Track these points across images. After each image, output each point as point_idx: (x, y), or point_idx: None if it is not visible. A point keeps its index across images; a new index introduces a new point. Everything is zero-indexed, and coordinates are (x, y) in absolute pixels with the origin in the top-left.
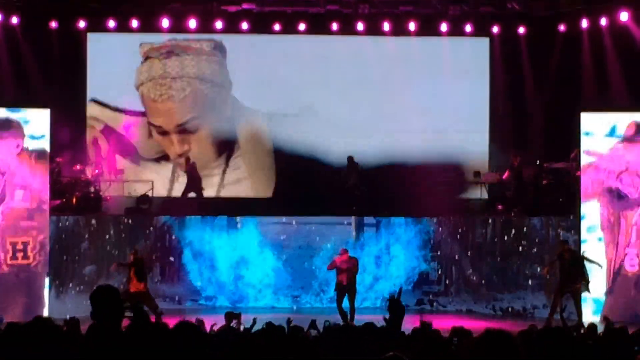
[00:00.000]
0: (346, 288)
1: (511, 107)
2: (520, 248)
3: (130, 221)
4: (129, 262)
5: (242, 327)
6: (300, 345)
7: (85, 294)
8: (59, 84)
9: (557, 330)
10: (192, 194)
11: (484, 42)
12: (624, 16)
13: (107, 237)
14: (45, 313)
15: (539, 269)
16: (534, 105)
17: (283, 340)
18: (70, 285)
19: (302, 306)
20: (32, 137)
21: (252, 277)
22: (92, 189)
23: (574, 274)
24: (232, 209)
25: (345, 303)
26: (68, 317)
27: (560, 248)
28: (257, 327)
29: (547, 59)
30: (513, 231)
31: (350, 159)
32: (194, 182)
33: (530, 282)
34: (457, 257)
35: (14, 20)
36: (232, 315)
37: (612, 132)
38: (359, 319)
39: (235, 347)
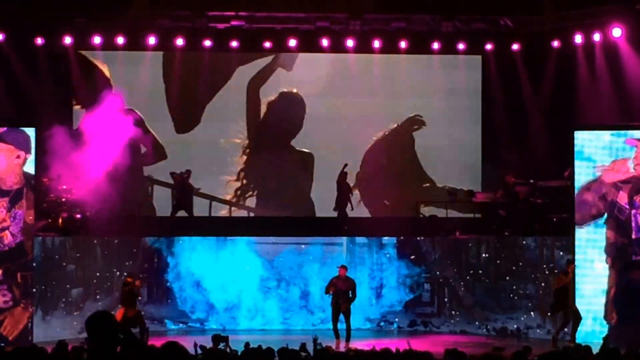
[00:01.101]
0: (342, 307)
1: (505, 125)
2: (514, 268)
3: (117, 242)
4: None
5: (228, 350)
6: None
7: (72, 316)
8: (46, 101)
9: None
10: (181, 212)
11: (477, 59)
12: (616, 32)
13: (94, 258)
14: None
15: (532, 290)
16: (528, 123)
17: None
18: (56, 307)
19: (293, 328)
20: None
21: (243, 298)
22: (78, 209)
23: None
24: (222, 228)
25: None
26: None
27: (567, 267)
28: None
29: (541, 75)
30: (507, 251)
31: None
32: (186, 197)
33: (524, 302)
34: (450, 277)
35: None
36: (219, 338)
37: (606, 147)
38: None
39: None
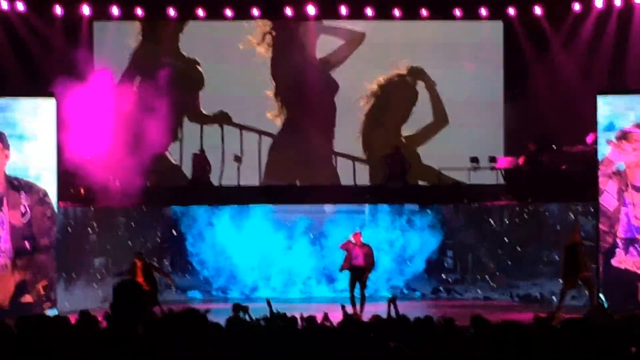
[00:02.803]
0: (359, 273)
1: (527, 90)
2: (538, 234)
3: (139, 211)
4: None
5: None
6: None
7: (94, 286)
8: (64, 71)
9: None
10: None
11: (498, 25)
12: None
13: (116, 228)
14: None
15: (556, 256)
16: (550, 87)
17: (294, 332)
18: (79, 277)
19: (315, 295)
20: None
21: (265, 267)
22: (102, 179)
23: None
24: (242, 197)
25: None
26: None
27: (577, 235)
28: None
29: (563, 39)
30: (530, 217)
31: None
32: (203, 171)
33: (547, 269)
34: (473, 244)
35: (20, 7)
36: (240, 307)
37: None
38: (371, 309)
39: (244, 338)
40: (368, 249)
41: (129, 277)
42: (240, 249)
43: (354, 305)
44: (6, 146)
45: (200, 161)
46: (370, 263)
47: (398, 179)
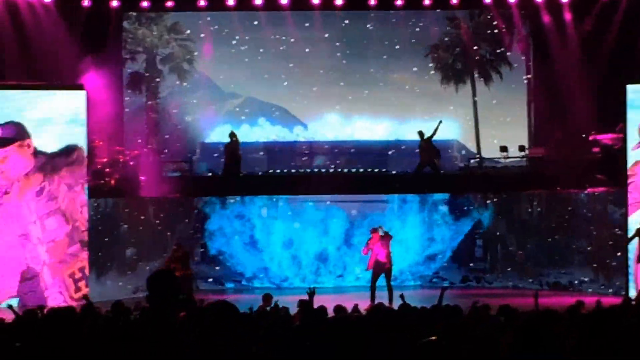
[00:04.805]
0: (384, 267)
1: (555, 78)
2: (566, 223)
3: (170, 202)
4: (175, 255)
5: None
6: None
7: (126, 277)
8: (94, 63)
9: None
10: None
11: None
12: None
13: (147, 219)
14: None
15: (585, 244)
16: (579, 76)
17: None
18: (110, 268)
19: (346, 285)
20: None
21: (295, 257)
22: (131, 170)
23: None
24: (275, 187)
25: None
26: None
27: None
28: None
29: (592, 28)
30: (559, 206)
31: (420, 134)
32: (235, 160)
33: (576, 256)
34: (502, 233)
35: None
36: (270, 297)
37: None
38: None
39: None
40: (388, 239)
41: (166, 264)
42: (271, 239)
43: (373, 299)
44: (26, 135)
45: (232, 150)
46: (389, 252)
47: (430, 166)
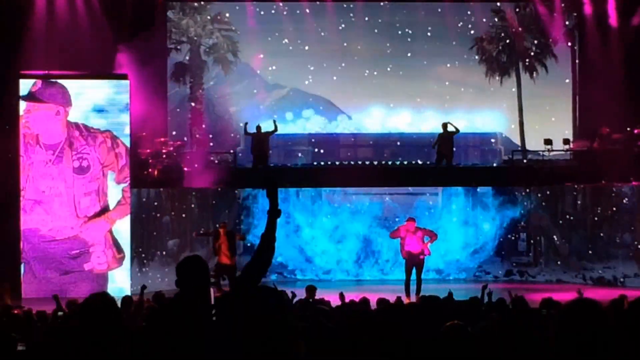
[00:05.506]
0: (416, 259)
1: (597, 72)
2: (611, 216)
3: (212, 193)
4: (219, 234)
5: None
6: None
7: (168, 267)
8: (139, 54)
9: None
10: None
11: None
12: None
13: (190, 209)
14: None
15: (630, 238)
16: (624, 69)
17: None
18: (153, 259)
19: (389, 278)
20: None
21: (339, 250)
22: (174, 161)
23: None
24: (316, 179)
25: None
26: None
27: None
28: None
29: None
30: (603, 199)
31: (444, 125)
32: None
33: (621, 251)
34: (546, 226)
35: None
36: (313, 289)
37: None
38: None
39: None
40: (422, 232)
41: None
42: (312, 231)
43: (408, 294)
44: (67, 102)
45: (260, 140)
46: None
47: (446, 159)
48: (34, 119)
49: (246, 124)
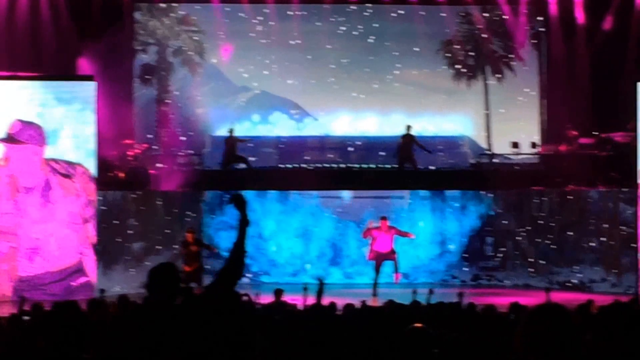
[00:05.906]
0: (386, 257)
1: (565, 75)
2: (578, 221)
3: (178, 195)
4: (189, 240)
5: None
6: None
7: (133, 271)
8: (105, 55)
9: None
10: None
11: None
12: None
13: (155, 212)
14: None
15: (596, 243)
16: (591, 73)
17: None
18: (118, 262)
19: (356, 282)
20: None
21: (305, 253)
22: (140, 164)
23: None
24: (283, 182)
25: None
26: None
27: None
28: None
29: (602, 24)
30: (570, 204)
31: (407, 127)
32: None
33: (588, 255)
34: (513, 230)
35: None
36: (280, 292)
37: None
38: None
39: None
40: (395, 231)
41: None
42: (280, 234)
43: (375, 293)
44: (44, 142)
45: (232, 144)
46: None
47: (409, 162)
48: (14, 161)
49: (231, 129)
